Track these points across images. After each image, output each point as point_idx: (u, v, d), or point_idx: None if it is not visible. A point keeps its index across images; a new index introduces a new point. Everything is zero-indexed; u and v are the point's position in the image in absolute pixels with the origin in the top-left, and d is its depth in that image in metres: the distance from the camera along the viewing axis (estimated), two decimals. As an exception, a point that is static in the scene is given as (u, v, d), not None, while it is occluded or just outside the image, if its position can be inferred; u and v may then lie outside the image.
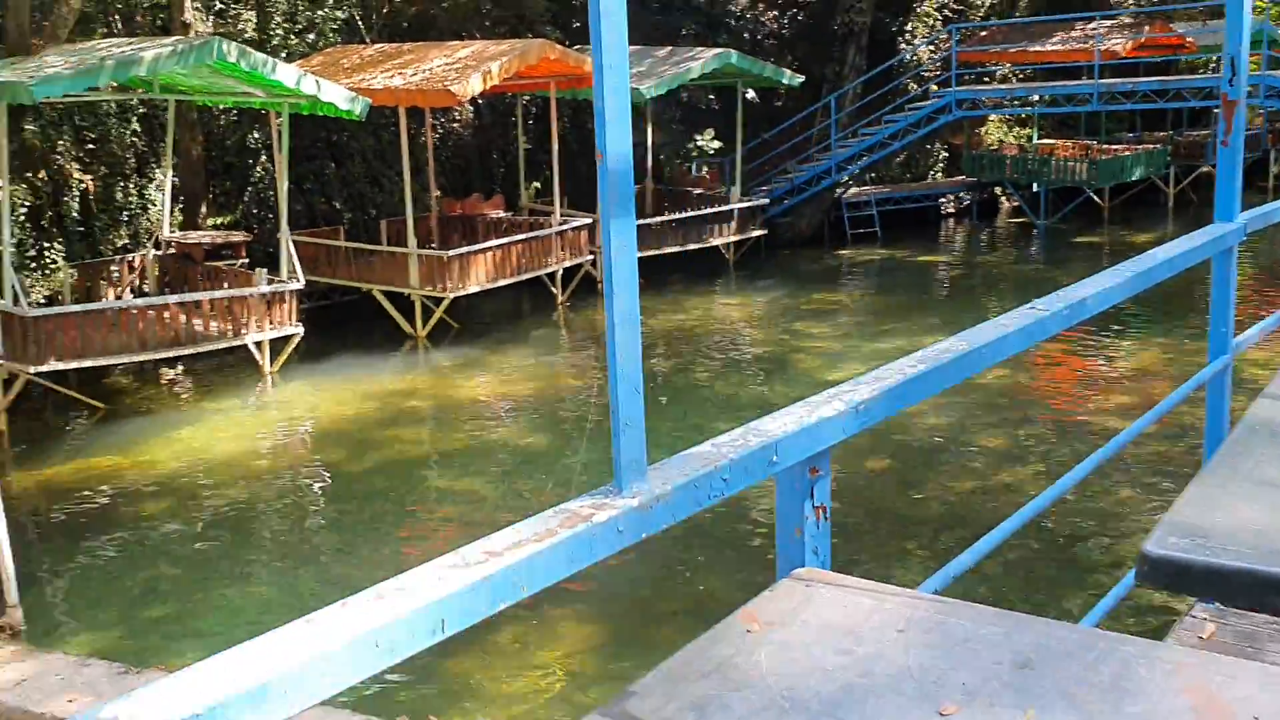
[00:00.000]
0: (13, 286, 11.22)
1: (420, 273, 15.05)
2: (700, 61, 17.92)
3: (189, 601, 8.62)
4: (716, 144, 23.20)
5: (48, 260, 15.71)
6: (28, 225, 15.69)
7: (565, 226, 17.00)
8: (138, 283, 15.04)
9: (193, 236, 14.96)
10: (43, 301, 15.09)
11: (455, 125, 21.20)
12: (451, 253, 14.95)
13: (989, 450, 10.63)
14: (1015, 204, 25.49)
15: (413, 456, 11.53)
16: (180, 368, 14.81)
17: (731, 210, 19.72)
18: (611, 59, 1.44)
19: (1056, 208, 24.60)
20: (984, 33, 23.50)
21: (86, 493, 10.75)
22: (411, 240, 15.12)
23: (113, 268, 14.99)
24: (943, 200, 25.47)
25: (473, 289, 15.38)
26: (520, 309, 17.84)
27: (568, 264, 17.18)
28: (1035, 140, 25.91)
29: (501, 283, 15.97)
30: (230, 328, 12.66)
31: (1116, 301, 2.52)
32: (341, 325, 16.47)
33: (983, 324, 2.16)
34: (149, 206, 17.18)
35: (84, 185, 16.29)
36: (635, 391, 1.44)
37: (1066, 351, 14.09)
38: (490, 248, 15.53)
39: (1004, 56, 22.80)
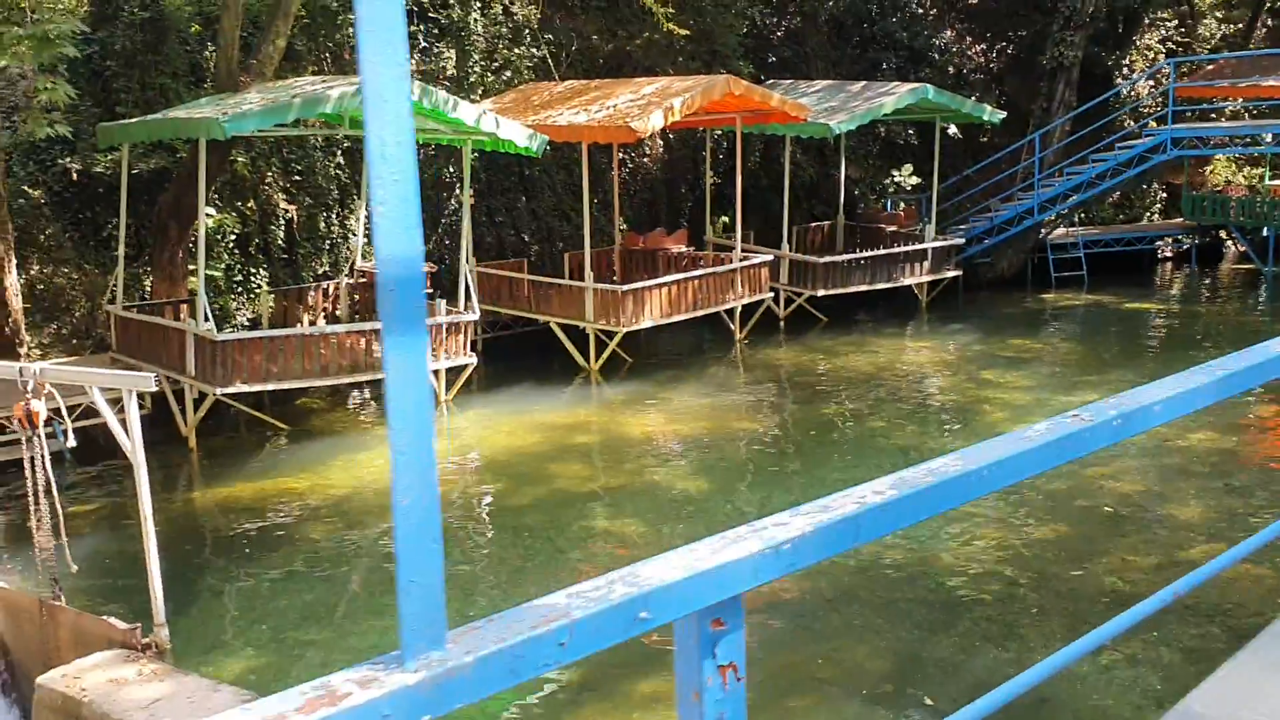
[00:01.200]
0: (204, 310, 11.78)
1: (595, 306, 15.09)
2: (894, 96, 17.39)
3: (342, 627, 8.77)
4: (914, 180, 22.48)
5: (253, 285, 16.56)
6: (236, 252, 16.60)
7: (745, 263, 16.74)
8: (331, 309, 15.64)
9: (381, 266, 15.42)
10: (247, 324, 15.92)
11: (645, 160, 21.28)
12: (625, 287, 14.92)
13: (1180, 522, 9.74)
14: (1242, 249, 23.68)
15: (571, 493, 11.47)
16: (368, 392, 15.32)
17: (925, 249, 19.02)
18: (386, 87, 1.11)
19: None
20: (1210, 66, 21.96)
21: (262, 512, 11.15)
22: (588, 274, 15.19)
23: (309, 295, 15.61)
24: (1159, 244, 23.91)
25: (646, 324, 15.30)
26: (698, 345, 17.67)
27: (746, 300, 16.90)
28: (1268, 181, 24.04)
29: (676, 318, 15.84)
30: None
31: (1191, 410, 2.07)
32: (520, 356, 16.70)
33: (997, 438, 1.79)
34: (349, 236, 17.91)
35: (289, 215, 17.12)
36: (432, 544, 1.18)
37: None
38: (665, 283, 15.43)
39: (1231, 91, 21.23)
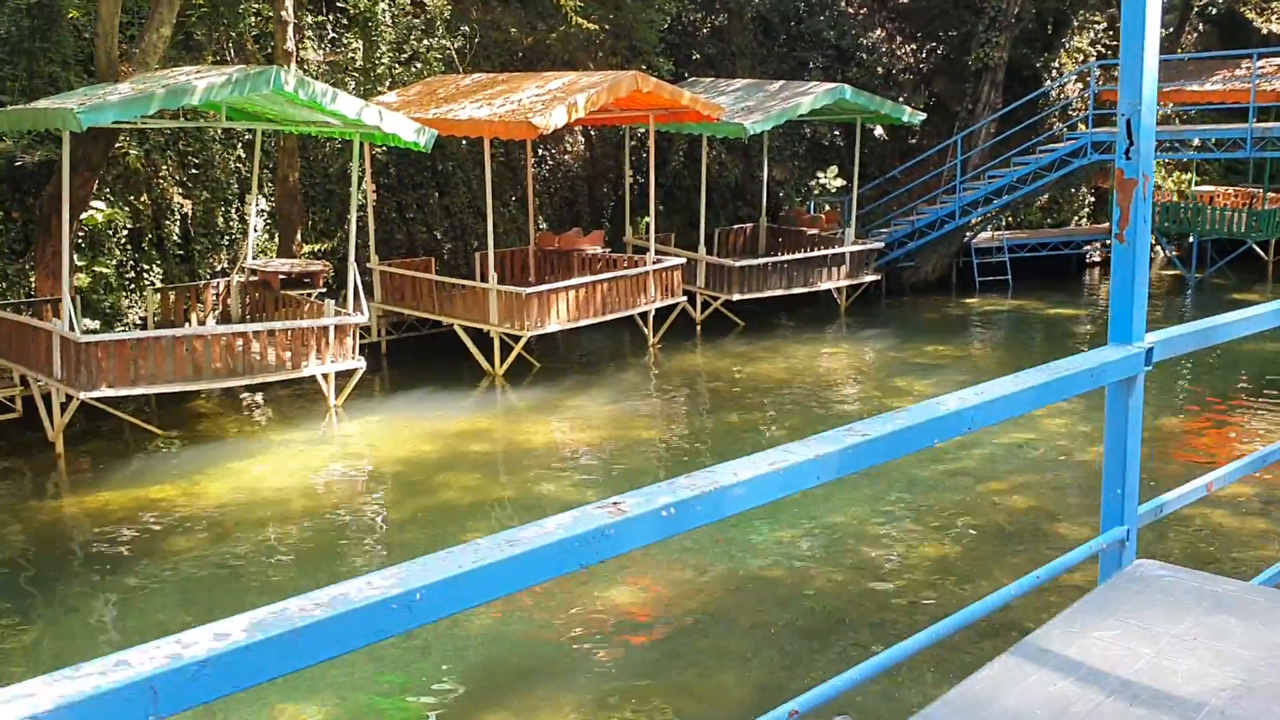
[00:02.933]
0: (68, 310, 11.17)
1: (499, 309, 14.61)
2: (811, 97, 17.05)
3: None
4: (840, 182, 22.20)
5: (146, 283, 15.90)
6: (128, 247, 15.93)
7: (658, 265, 16.33)
8: (223, 309, 15.03)
9: (273, 264, 14.86)
10: (138, 323, 15.27)
11: (566, 157, 20.82)
12: (529, 290, 14.46)
13: (1071, 542, 9.44)
14: (1168, 255, 23.67)
15: (457, 506, 10.99)
16: (261, 395, 14.74)
17: (843, 253, 18.72)
18: None
19: (1214, 261, 22.74)
20: (1136, 70, 21.82)
21: (126, 523, 10.56)
22: (492, 275, 14.70)
23: (199, 293, 15.00)
24: (1087, 248, 23.82)
25: (552, 328, 14.86)
26: (610, 349, 17.24)
27: (660, 305, 16.50)
28: (1194, 187, 24.05)
29: (585, 322, 15.40)
30: (288, 359, 12.42)
31: (951, 437, 1.87)
32: (423, 359, 16.19)
33: (729, 463, 1.56)
34: (250, 232, 17.29)
35: (185, 209, 16.47)
36: None
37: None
38: (572, 285, 14.98)
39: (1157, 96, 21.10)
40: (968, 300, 20.90)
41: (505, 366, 15.01)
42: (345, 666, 7.67)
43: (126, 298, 15.60)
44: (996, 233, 22.58)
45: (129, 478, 11.71)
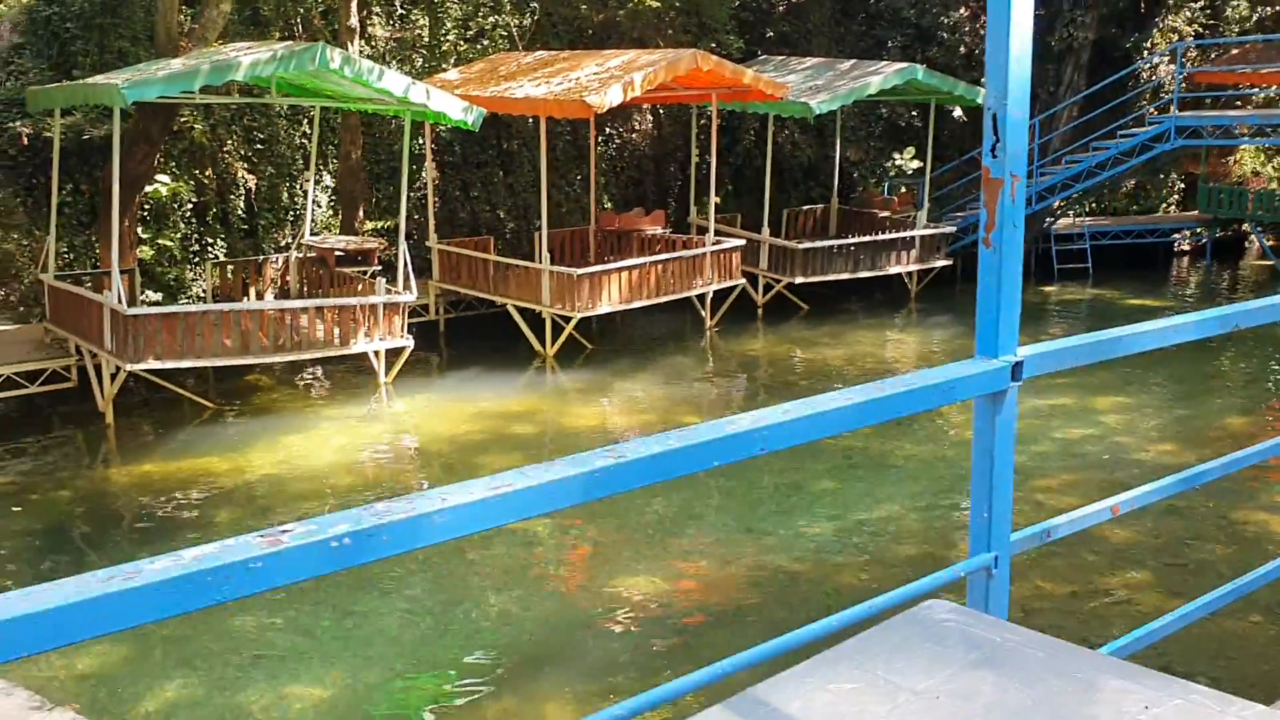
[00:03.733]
0: (116, 282, 11.33)
1: (550, 289, 14.50)
2: (881, 77, 16.58)
3: (202, 624, 8.30)
4: (916, 164, 21.62)
5: (210, 256, 16.14)
6: (193, 221, 16.18)
7: (716, 247, 16.06)
8: (281, 284, 15.17)
9: (330, 241, 14.95)
10: (201, 296, 15.50)
11: (633, 136, 20.61)
12: (581, 271, 14.31)
13: (1111, 548, 9.02)
14: (1264, 245, 22.62)
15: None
16: (320, 370, 14.86)
17: (912, 237, 18.23)
18: None
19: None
20: (1234, 50, 20.86)
21: (170, 494, 10.71)
22: (544, 255, 14.59)
23: (258, 268, 15.16)
24: (1176, 236, 22.88)
25: (603, 309, 14.69)
26: (666, 332, 17.03)
27: (717, 287, 16.23)
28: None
29: (637, 304, 15.21)
30: (336, 336, 12.46)
31: (737, 459, 1.76)
32: (478, 338, 16.16)
33: (443, 488, 1.40)
34: (313, 207, 17.44)
35: (249, 184, 16.65)
36: None
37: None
38: (625, 267, 14.80)
39: (1253, 78, 20.13)
40: (1045, 288, 20.22)
41: (556, 348, 14.90)
42: (359, 646, 7.64)
43: (191, 270, 15.85)
44: (1078, 219, 21.80)
45: (178, 449, 11.87)
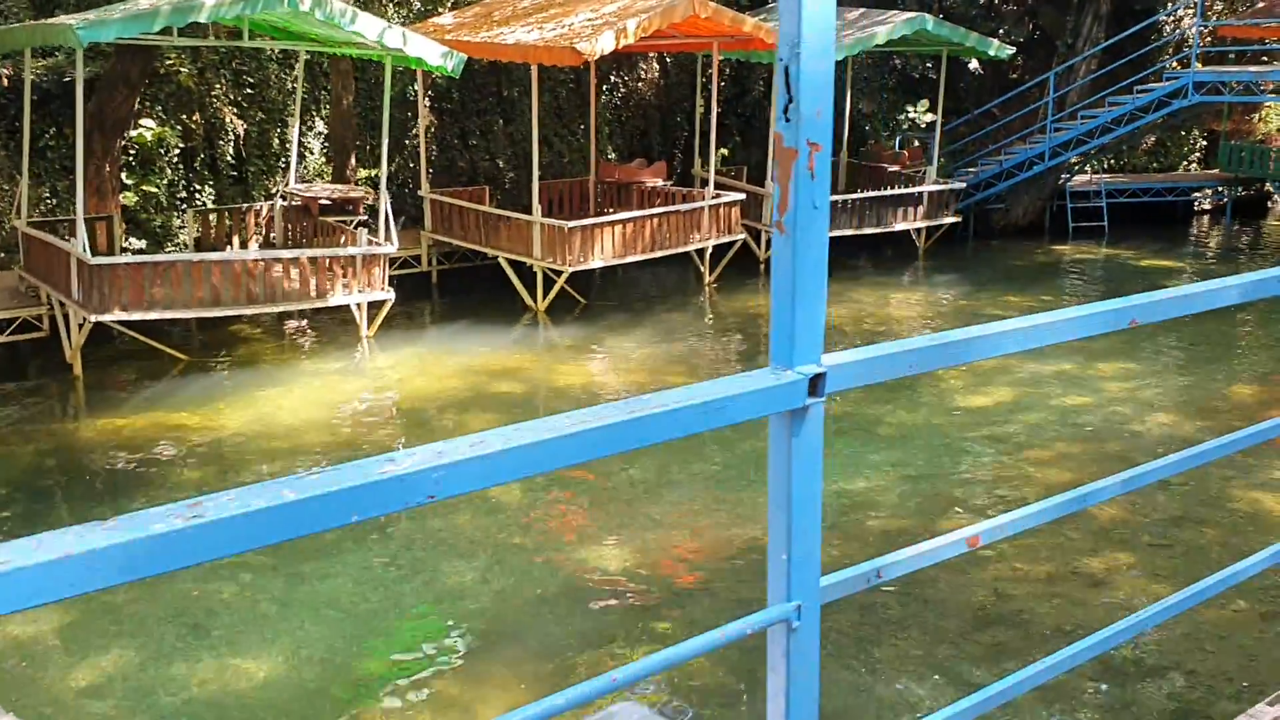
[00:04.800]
0: (81, 230, 11.00)
1: (542, 242, 14.10)
2: (888, 26, 15.97)
3: (144, 589, 8.04)
4: (930, 117, 21.00)
5: (197, 204, 15.80)
6: (180, 167, 15.83)
7: (715, 201, 15.60)
8: (265, 234, 14.83)
9: (314, 190, 14.57)
10: (188, 244, 15.17)
11: (639, 85, 20.08)
12: (572, 224, 13.90)
13: (1095, 525, 8.63)
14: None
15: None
16: (306, 322, 14.55)
17: (919, 193, 17.69)
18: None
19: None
20: (1261, 3, 20.07)
21: (137, 448, 10.45)
22: (535, 207, 14.18)
23: (241, 216, 14.82)
24: (1197, 195, 22.21)
25: (595, 263, 14.29)
26: (665, 287, 16.62)
27: (716, 241, 15.79)
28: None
29: (631, 259, 14.80)
30: (313, 288, 12.13)
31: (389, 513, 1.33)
32: (472, 291, 15.81)
33: None
34: (305, 154, 17.05)
35: (238, 130, 16.26)
36: None
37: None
38: (618, 220, 14.37)
39: (1276, 31, 19.35)
40: (1058, 247, 19.66)
41: (547, 302, 14.54)
42: (309, 615, 7.38)
43: (178, 218, 15.52)
44: (1095, 176, 21.16)
45: (147, 403, 11.61)
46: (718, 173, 18.34)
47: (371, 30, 11.00)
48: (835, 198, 17.34)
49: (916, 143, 20.71)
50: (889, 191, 17.57)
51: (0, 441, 10.69)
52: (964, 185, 18.52)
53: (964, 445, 10.27)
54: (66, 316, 11.77)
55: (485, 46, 13.88)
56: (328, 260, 12.07)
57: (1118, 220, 20.52)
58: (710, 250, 16.02)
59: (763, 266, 17.38)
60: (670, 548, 8.26)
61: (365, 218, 14.66)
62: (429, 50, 11.42)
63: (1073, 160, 19.60)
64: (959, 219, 18.35)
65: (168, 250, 14.93)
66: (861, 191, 18.28)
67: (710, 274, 16.23)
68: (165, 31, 11.54)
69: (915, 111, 21.38)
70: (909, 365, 1.89)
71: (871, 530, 8.56)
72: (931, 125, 20.87)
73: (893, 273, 17.77)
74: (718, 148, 20.52)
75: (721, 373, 13.11)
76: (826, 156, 1.80)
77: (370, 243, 12.53)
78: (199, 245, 14.30)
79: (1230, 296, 2.51)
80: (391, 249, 12.66)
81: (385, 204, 12.65)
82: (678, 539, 8.41)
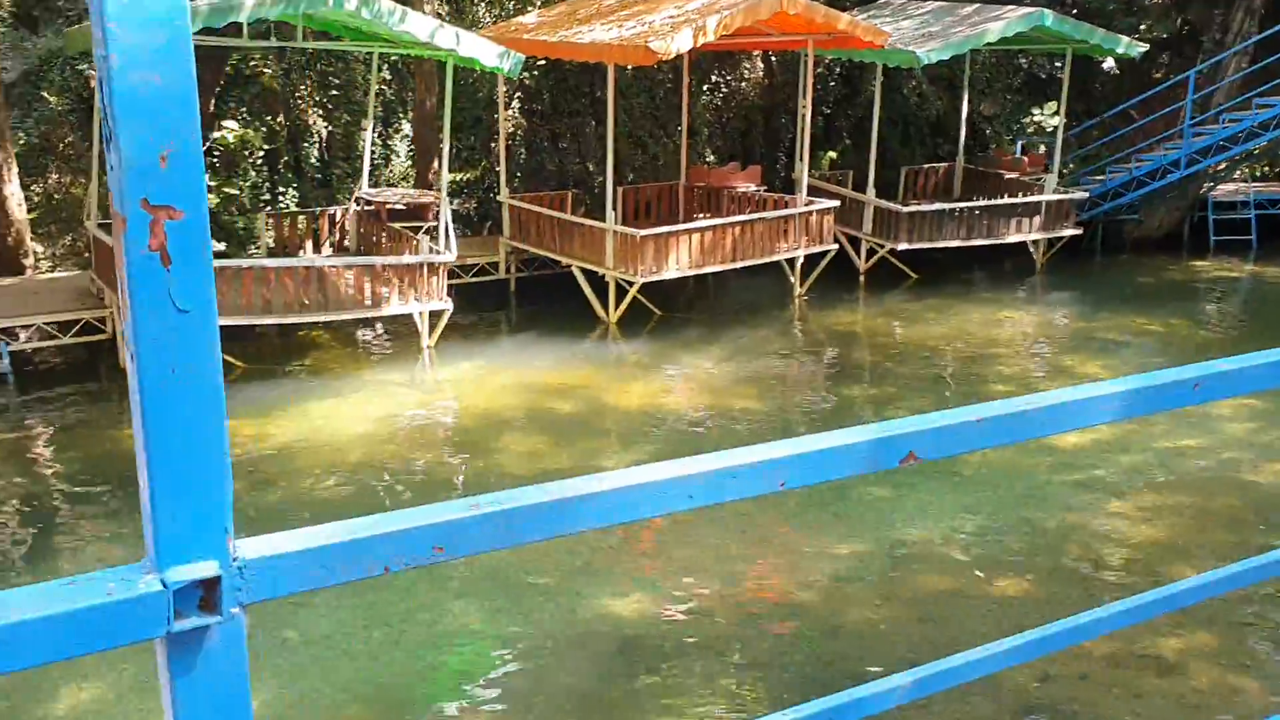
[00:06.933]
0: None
1: (615, 251, 13.42)
2: (1002, 23, 14.74)
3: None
4: (1057, 120, 19.55)
5: (281, 206, 15.66)
6: (264, 169, 15.71)
7: (806, 208, 14.66)
8: (339, 239, 14.54)
9: (385, 194, 14.20)
10: (272, 247, 15.01)
11: (742, 85, 19.21)
12: (644, 232, 13.18)
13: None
14: None
15: (500, 472, 10.00)
16: (381, 329, 14.20)
17: (1035, 203, 16.36)
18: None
19: None
20: None
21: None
22: (610, 214, 13.50)
23: (317, 221, 14.56)
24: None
25: (669, 274, 13.54)
26: (751, 299, 15.73)
27: (805, 252, 14.85)
28: None
29: (709, 269, 14.00)
30: (368, 297, 11.72)
31: None
32: (547, 300, 15.23)
33: None
34: (391, 156, 16.77)
35: (323, 131, 16.07)
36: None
37: None
38: (694, 229, 13.59)
39: None
40: (1197, 263, 18.00)
41: (619, 314, 13.86)
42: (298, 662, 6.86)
43: (262, 220, 15.39)
44: (1245, 185, 19.36)
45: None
46: (823, 178, 17.37)
47: (422, 30, 10.50)
48: (940, 206, 16.18)
49: (1042, 148, 19.29)
50: (1003, 200, 16.29)
51: (49, 444, 10.58)
52: (1087, 194, 17.08)
53: (1048, 491, 9.17)
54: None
55: (560, 46, 13.28)
56: (383, 268, 11.62)
57: (1269, 234, 18.71)
58: (802, 260, 15.09)
59: (862, 279, 16.35)
60: (689, 597, 7.46)
61: (436, 224, 14.23)
62: (484, 51, 10.85)
63: (1218, 166, 17.90)
64: (1080, 231, 16.93)
65: (250, 253, 14.79)
66: (977, 199, 17.03)
67: (801, 286, 15.28)
68: (237, 32, 11.31)
69: (1042, 114, 19.97)
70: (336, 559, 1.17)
71: (921, 590, 7.61)
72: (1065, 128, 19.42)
73: (1006, 288, 16.48)
74: (826, 150, 19.54)
75: (798, 398, 12.20)
76: (197, 227, 1.05)
77: (432, 250, 12.05)
78: (276, 250, 14.08)
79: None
80: (450, 257, 12.17)
81: (446, 211, 12.16)
82: (698, 589, 7.60)
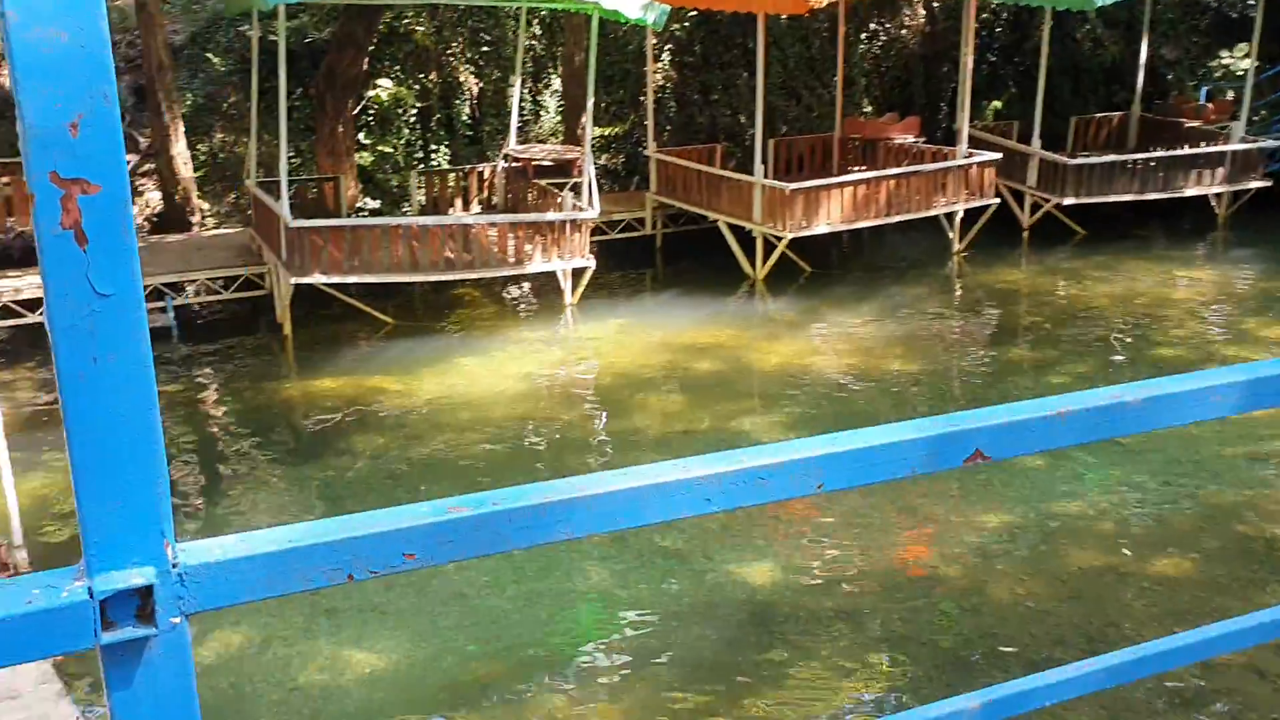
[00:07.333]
0: (284, 191, 11.04)
1: (763, 206, 13.09)
2: (1186, -43, 13.70)
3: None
4: (1247, 63, 18.15)
5: (433, 163, 15.82)
6: (417, 127, 15.88)
7: (966, 161, 14.00)
8: (488, 197, 14.60)
9: (532, 150, 14.16)
10: (424, 205, 15.21)
11: (903, 33, 18.46)
12: (793, 186, 12.79)
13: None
14: None
15: (638, 434, 9.87)
16: (527, 287, 14.24)
17: (1220, 153, 15.24)
18: None
19: None
20: None
21: (330, 414, 10.43)
22: (758, 168, 13.16)
23: (465, 179, 14.66)
24: None
25: (820, 229, 13.12)
26: (907, 255, 15.16)
27: (963, 207, 14.21)
28: None
29: (861, 224, 13.52)
30: (511, 255, 11.72)
31: None
32: (693, 257, 14.99)
33: None
34: (540, 113, 16.75)
35: (474, 88, 16.13)
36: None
37: None
38: (845, 182, 13.12)
39: None
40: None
41: (766, 270, 13.53)
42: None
43: (416, 178, 15.60)
44: None
45: (352, 364, 11.60)
46: (987, 128, 16.59)
47: (559, -20, 10.36)
48: (1110, 158, 15.24)
49: (1230, 94, 17.97)
50: (1179, 151, 15.24)
51: (201, 397, 10.96)
52: (1278, 144, 15.83)
53: (1218, 464, 8.53)
54: (279, 276, 11.95)
55: (711, -4, 12.96)
56: (526, 226, 11.59)
57: None
58: (961, 215, 14.45)
59: (1025, 235, 15.57)
60: (815, 567, 7.20)
61: (581, 179, 14.13)
62: (628, 2, 10.64)
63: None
64: (1269, 183, 15.72)
65: (403, 211, 15.00)
66: (1155, 150, 15.98)
67: (960, 242, 14.65)
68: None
69: (1232, 56, 18.59)
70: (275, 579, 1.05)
71: (1073, 566, 7.17)
72: (1256, 73, 18.04)
73: (1183, 245, 15.46)
74: (990, 100, 18.66)
75: (953, 360, 11.70)
76: (116, 201, 0.90)
77: (574, 208, 11.97)
78: (426, 208, 14.25)
79: None
80: (593, 214, 12.06)
81: (589, 168, 12.05)
82: (826, 558, 7.33)
